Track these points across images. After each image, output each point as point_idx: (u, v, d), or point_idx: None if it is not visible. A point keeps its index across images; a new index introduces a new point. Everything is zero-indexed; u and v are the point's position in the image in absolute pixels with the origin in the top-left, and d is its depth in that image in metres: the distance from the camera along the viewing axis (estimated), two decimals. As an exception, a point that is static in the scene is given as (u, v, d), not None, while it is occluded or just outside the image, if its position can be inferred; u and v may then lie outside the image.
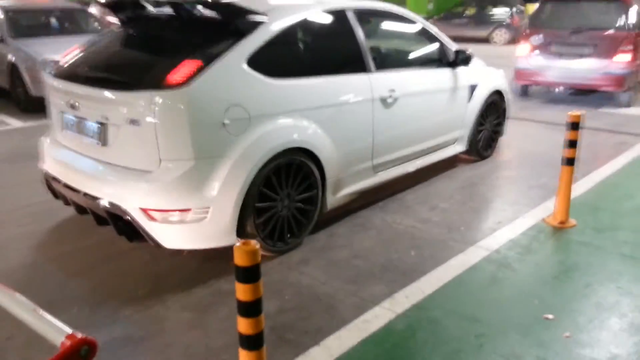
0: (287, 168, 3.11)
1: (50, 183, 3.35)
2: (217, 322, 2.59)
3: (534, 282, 2.93)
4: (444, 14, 18.17)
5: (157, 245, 2.82)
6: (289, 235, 3.24)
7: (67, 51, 3.59)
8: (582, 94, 8.31)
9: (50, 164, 3.33)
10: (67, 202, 3.30)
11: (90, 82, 3.00)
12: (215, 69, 2.77)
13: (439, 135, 4.39)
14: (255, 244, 1.61)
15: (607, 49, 7.13)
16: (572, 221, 3.62)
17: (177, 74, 2.70)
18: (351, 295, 2.80)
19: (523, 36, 7.97)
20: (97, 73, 3.15)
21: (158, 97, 2.65)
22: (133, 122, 2.74)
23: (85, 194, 2.96)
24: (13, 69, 7.25)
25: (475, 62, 4.67)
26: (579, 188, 4.24)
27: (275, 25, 3.10)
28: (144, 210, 2.74)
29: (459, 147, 4.71)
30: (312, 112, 3.21)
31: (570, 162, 3.51)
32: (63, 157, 3.24)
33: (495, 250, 3.26)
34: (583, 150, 5.33)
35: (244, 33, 2.97)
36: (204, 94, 2.72)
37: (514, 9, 16.93)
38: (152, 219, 2.75)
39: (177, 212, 2.74)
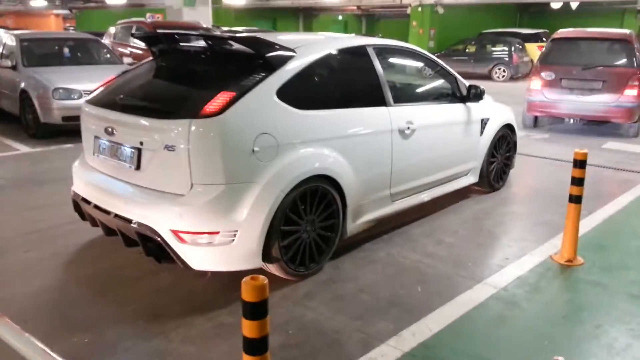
0: (311, 195, 3.21)
1: (79, 204, 3.47)
2: (219, 357, 2.54)
3: (543, 322, 2.88)
4: (445, 51, 18.56)
5: (186, 266, 2.92)
6: (310, 261, 3.31)
7: (103, 81, 3.82)
8: (594, 124, 8.77)
9: (81, 186, 3.48)
10: (95, 223, 3.43)
11: (129, 109, 3.20)
12: (247, 100, 2.93)
13: (453, 167, 4.54)
14: (263, 279, 1.59)
15: (617, 84, 7.71)
16: (580, 259, 3.58)
17: (213, 104, 2.85)
18: (357, 331, 2.75)
19: (535, 71, 8.44)
20: (135, 101, 3.37)
21: (194, 125, 2.80)
22: (168, 147, 2.87)
23: (116, 216, 3.09)
24: (24, 95, 7.35)
25: (486, 98, 4.85)
26: (585, 226, 4.20)
27: (303, 61, 3.29)
28: (175, 232, 2.86)
29: (471, 179, 4.86)
30: (335, 142, 3.35)
31: (577, 199, 3.50)
32: (95, 179, 3.38)
33: (503, 287, 3.22)
34: (588, 187, 5.31)
35: (274, 67, 3.14)
36: (236, 122, 2.87)
37: (513, 48, 17.37)
38: (182, 240, 2.86)
39: (206, 235, 2.86)
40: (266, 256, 3.05)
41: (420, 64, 4.55)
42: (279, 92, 3.08)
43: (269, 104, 3.04)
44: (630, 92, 7.62)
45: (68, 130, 7.01)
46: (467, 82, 4.66)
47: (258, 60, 3.19)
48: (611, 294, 3.19)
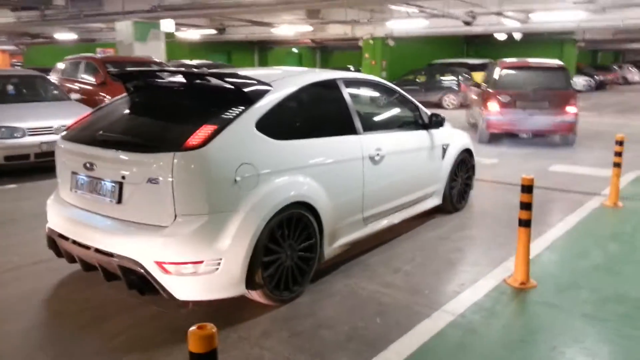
0: (289, 221, 3.32)
1: (55, 241, 3.43)
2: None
3: (500, 347, 2.89)
4: (397, 81, 19.13)
5: (171, 297, 2.94)
6: (294, 283, 3.41)
7: (78, 117, 3.83)
8: (541, 137, 10.49)
9: (57, 222, 3.44)
10: (72, 259, 3.40)
11: (108, 144, 3.20)
12: (229, 132, 3.04)
13: (419, 190, 4.80)
14: (211, 327, 1.51)
15: (559, 104, 9.48)
16: (533, 282, 3.64)
17: (196, 137, 2.94)
18: (315, 368, 2.67)
19: (491, 95, 9.80)
20: (115, 136, 3.34)
21: (177, 158, 2.87)
22: (151, 180, 2.93)
23: (97, 250, 3.09)
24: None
25: (445, 125, 5.15)
26: (536, 248, 4.30)
27: (279, 94, 3.46)
28: (159, 264, 2.88)
29: (436, 200, 5.12)
30: (311, 170, 3.51)
31: (527, 223, 3.59)
32: (72, 215, 3.36)
33: (460, 314, 3.22)
34: (537, 209, 5.48)
35: (252, 101, 3.29)
36: (219, 154, 2.97)
37: (461, 77, 18.19)
38: (166, 272, 2.89)
39: (191, 265, 2.90)
40: (250, 283, 3.10)
41: (385, 95, 4.84)
42: (257, 124, 3.21)
43: (249, 136, 3.16)
44: (570, 110, 9.46)
45: (9, 171, 6.72)
46: (429, 111, 4.96)
47: (237, 95, 3.31)
48: (565, 315, 3.25)
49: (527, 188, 3.56)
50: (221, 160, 2.97)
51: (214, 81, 3.46)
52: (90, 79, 9.93)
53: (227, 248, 2.95)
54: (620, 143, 5.56)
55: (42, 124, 7.04)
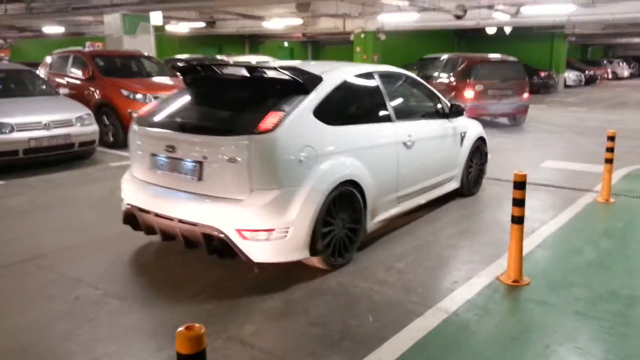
0: (341, 197, 3.80)
1: (135, 215, 3.87)
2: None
3: (493, 345, 2.88)
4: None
5: (247, 259, 3.42)
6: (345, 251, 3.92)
7: (148, 106, 4.31)
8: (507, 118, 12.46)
9: (138, 198, 3.86)
10: (150, 232, 3.90)
11: (189, 129, 3.69)
12: (292, 118, 3.53)
13: (442, 174, 5.30)
14: (200, 327, 1.48)
15: (518, 91, 11.88)
16: (526, 279, 3.64)
17: (266, 123, 3.43)
18: (308, 369, 2.65)
19: (468, 85, 11.49)
20: (194, 122, 3.90)
21: (253, 141, 3.37)
22: (231, 160, 3.40)
23: (181, 221, 3.55)
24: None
25: (464, 115, 5.67)
26: (529, 244, 4.30)
27: (329, 85, 3.94)
28: (238, 231, 3.37)
29: (454, 184, 5.59)
30: (358, 152, 3.99)
31: (519, 220, 3.58)
32: (154, 191, 3.80)
33: (454, 312, 3.21)
34: (529, 206, 5.50)
35: (308, 90, 3.76)
36: (286, 137, 3.45)
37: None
38: (244, 238, 3.37)
39: (264, 232, 3.38)
40: (312, 250, 3.58)
41: (411, 86, 5.23)
42: (314, 111, 3.70)
43: (308, 121, 3.66)
44: (525, 96, 11.99)
45: (-1, 166, 6.62)
46: (449, 102, 5.45)
47: (295, 85, 3.76)
48: (557, 312, 3.24)
49: (520, 184, 3.55)
50: (288, 142, 3.45)
51: (273, 73, 3.89)
52: (79, 73, 9.78)
53: (295, 218, 3.43)
54: (611, 139, 5.57)
55: (31, 120, 6.93)
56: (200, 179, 3.54)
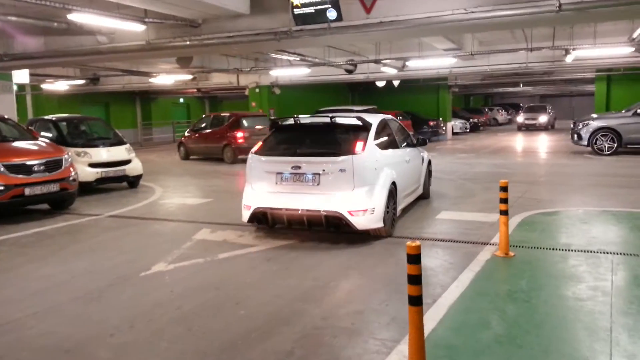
0: (390, 191, 6.26)
1: (266, 213, 6.13)
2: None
3: None
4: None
5: (354, 228, 5.84)
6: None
7: (258, 145, 6.56)
8: None
9: (269, 201, 6.11)
10: (274, 223, 6.40)
11: (308, 154, 6.13)
12: (368, 145, 6.11)
13: (417, 182, 8.02)
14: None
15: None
16: (432, 371, 3.00)
17: (357, 148, 5.98)
18: None
19: (238, 131, 15.27)
20: (312, 150, 6.23)
21: (354, 159, 5.86)
22: (342, 170, 5.83)
23: (308, 210, 5.88)
24: None
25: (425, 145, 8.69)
26: (431, 320, 3.73)
27: (376, 125, 6.57)
28: (349, 212, 5.78)
29: (420, 190, 8.35)
30: (391, 165, 6.53)
31: (417, 301, 2.94)
32: (282, 195, 6.05)
33: None
34: (427, 267, 5.01)
35: (369, 129, 6.34)
36: (368, 156, 6.01)
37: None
38: (352, 215, 5.78)
39: (362, 211, 5.81)
40: (382, 222, 5.99)
41: (399, 126, 7.97)
42: (375, 141, 6.32)
43: (373, 147, 6.24)
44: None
45: None
46: (414, 137, 8.62)
47: (362, 126, 6.35)
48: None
49: (414, 258, 2.94)
50: (369, 158, 6.01)
51: (346, 120, 6.51)
52: None
53: (377, 202, 5.90)
54: (504, 189, 5.32)
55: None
56: (318, 184, 5.88)
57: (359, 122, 6.25)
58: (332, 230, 6.11)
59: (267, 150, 6.29)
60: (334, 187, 5.77)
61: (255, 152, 6.31)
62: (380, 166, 6.08)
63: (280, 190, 6.01)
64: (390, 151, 6.70)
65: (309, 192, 5.85)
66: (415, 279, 2.93)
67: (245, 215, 6.27)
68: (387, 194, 5.99)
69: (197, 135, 17.18)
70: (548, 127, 30.36)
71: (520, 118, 31.45)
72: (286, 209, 5.92)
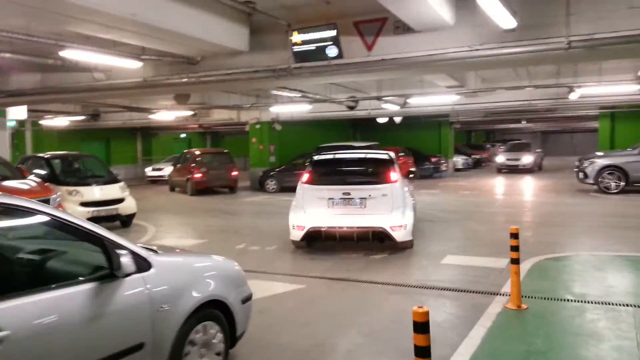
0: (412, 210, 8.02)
1: (320, 232, 7.51)
2: None
3: None
4: (286, 165, 18.89)
5: (394, 240, 7.39)
6: None
7: (307, 175, 8.02)
8: None
9: (322, 222, 7.47)
10: (326, 239, 7.74)
11: (355, 183, 7.70)
12: (398, 174, 7.82)
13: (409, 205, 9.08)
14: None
15: (228, 170, 18.43)
16: None
17: (393, 177, 7.66)
18: None
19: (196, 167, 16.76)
20: (355, 179, 7.86)
21: (393, 186, 7.55)
22: (383, 195, 7.43)
23: (359, 227, 7.34)
24: None
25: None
26: (442, 389, 3.32)
27: (393, 157, 8.23)
28: (391, 227, 7.30)
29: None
30: (406, 189, 8.30)
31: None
32: (334, 217, 7.47)
33: None
34: (435, 322, 4.61)
35: (394, 162, 8.02)
36: (401, 183, 7.71)
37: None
38: (393, 230, 7.31)
39: (399, 227, 7.33)
40: (411, 235, 7.63)
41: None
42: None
43: (398, 174, 7.89)
44: (234, 174, 18.53)
45: None
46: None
47: (389, 159, 8.04)
48: None
49: (422, 326, 2.58)
50: (402, 185, 7.70)
51: (376, 154, 8.46)
52: None
53: (408, 220, 7.44)
54: (515, 236, 4.95)
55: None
56: (365, 207, 7.38)
57: (386, 156, 7.98)
58: (376, 243, 7.64)
59: (316, 181, 7.76)
60: (377, 208, 7.27)
61: (306, 182, 7.77)
62: (406, 191, 7.78)
63: (332, 213, 7.42)
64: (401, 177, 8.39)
65: (357, 213, 7.33)
66: (423, 352, 2.56)
67: (298, 234, 7.55)
68: (414, 214, 7.66)
69: (177, 170, 19.59)
70: (534, 169, 24.92)
71: (501, 158, 25.87)
72: (339, 227, 7.31)
